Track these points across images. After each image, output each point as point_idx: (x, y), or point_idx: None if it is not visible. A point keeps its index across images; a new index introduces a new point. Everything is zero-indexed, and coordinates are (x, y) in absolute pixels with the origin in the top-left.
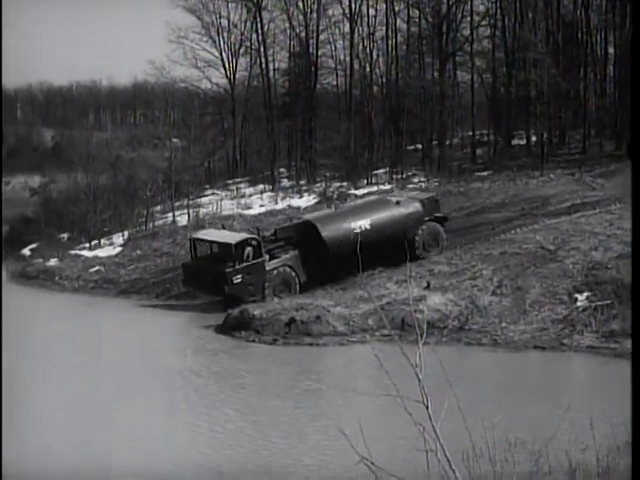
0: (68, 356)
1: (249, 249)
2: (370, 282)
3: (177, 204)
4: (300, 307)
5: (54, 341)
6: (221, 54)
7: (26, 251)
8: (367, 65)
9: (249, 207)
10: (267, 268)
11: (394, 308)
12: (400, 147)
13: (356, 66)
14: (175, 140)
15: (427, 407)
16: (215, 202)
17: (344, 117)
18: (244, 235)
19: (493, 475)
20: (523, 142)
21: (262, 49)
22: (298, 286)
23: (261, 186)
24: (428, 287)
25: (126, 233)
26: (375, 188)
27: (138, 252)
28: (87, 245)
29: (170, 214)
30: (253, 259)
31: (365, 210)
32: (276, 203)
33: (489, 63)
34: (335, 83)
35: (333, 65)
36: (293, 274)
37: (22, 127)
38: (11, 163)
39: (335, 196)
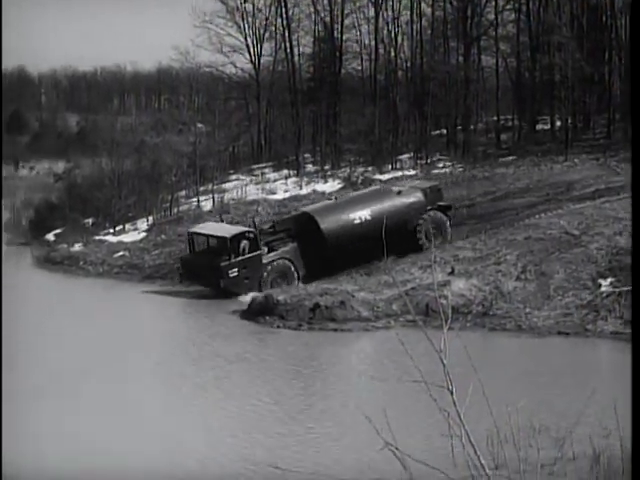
0: (94, 341)
1: (245, 242)
2: (394, 267)
3: (202, 189)
4: (324, 292)
5: (79, 326)
6: (246, 39)
7: (50, 236)
8: (392, 49)
9: (273, 192)
10: (264, 261)
11: (418, 293)
12: (425, 132)
13: (381, 50)
14: (200, 125)
15: (451, 393)
16: (240, 187)
17: (369, 102)
18: (240, 228)
19: (517, 461)
20: (547, 127)
21: (287, 34)
22: (297, 279)
23: (286, 171)
24: (452, 272)
25: (150, 218)
26: (400, 173)
27: (163, 237)
28: (111, 230)
29: (195, 199)
30: (249, 252)
31: (365, 200)
32: (301, 188)
33: (513, 47)
34: (360, 68)
35: (358, 50)
36: (291, 267)
37: (46, 112)
38: (35, 148)
39: (360, 181)
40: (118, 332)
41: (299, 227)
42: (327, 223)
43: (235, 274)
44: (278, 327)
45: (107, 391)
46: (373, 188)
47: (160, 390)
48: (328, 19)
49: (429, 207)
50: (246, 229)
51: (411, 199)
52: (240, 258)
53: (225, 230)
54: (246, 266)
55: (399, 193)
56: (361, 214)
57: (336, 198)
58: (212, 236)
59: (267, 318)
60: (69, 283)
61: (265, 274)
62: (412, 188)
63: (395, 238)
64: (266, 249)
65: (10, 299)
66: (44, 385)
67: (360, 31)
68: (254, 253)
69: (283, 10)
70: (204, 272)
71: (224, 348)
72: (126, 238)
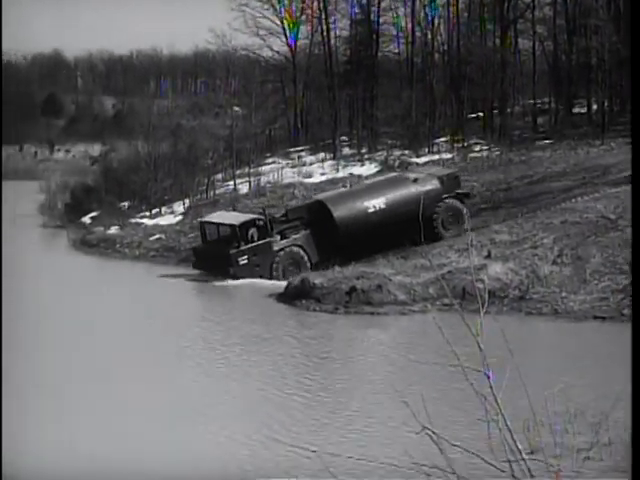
0: (135, 323)
1: (253, 230)
2: (431, 251)
3: (238, 172)
4: (361, 276)
5: (119, 308)
6: (282, 22)
7: (86, 219)
8: (428, 32)
9: (310, 175)
10: (275, 248)
11: (455, 277)
12: (461, 115)
13: (417, 33)
14: (236, 108)
15: (488, 377)
16: (276, 170)
17: (405, 85)
18: (249, 216)
19: (553, 445)
20: (584, 110)
21: (323, 16)
22: (310, 267)
23: (322, 154)
24: (489, 256)
25: (187, 201)
26: (436, 157)
27: (199, 220)
28: (148, 213)
29: (231, 182)
30: (259, 240)
31: (380, 188)
32: (337, 171)
33: (550, 30)
34: (396, 51)
35: (394, 32)
36: (303, 254)
37: (82, 96)
38: (71, 132)
39: (396, 164)
40: (154, 315)
41: (312, 215)
42: (340, 211)
43: (245, 262)
44: (314, 310)
45: (148, 376)
46: (389, 175)
47: (201, 374)
48: (365, 1)
49: (446, 195)
50: (255, 216)
51: (427, 187)
52: (249, 245)
53: (234, 218)
54: (256, 253)
55: (415, 181)
56: (375, 202)
57: (350, 186)
58: (221, 224)
59: (303, 301)
60: (105, 266)
61: (276, 261)
62: (429, 175)
63: (410, 227)
64: (279, 237)
65: (47, 281)
66: (77, 368)
67: (397, 13)
68: (264, 240)
69: None
70: (215, 261)
71: (262, 331)
72: (162, 221)
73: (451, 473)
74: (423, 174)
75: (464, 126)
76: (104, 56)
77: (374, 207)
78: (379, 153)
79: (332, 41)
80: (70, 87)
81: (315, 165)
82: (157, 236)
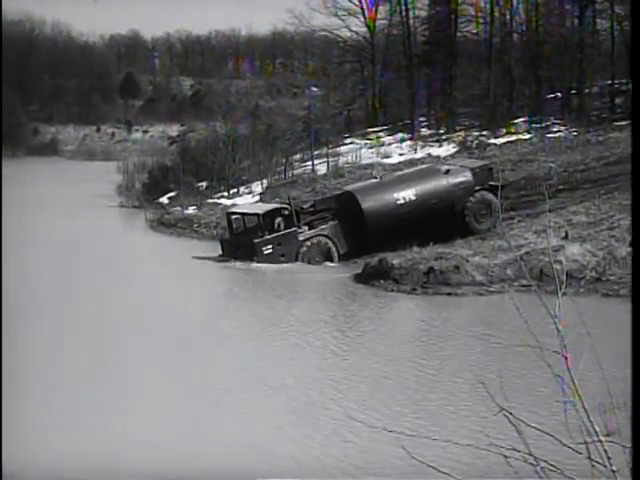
0: (218, 307)
1: (279, 219)
2: (509, 232)
3: (316, 153)
4: (439, 256)
5: (193, 289)
6: (361, 2)
7: (164, 199)
8: (507, 12)
9: (388, 156)
10: (301, 238)
11: (532, 258)
12: (539, 96)
13: (496, 13)
14: (314, 89)
15: (566, 358)
16: (354, 151)
17: (484, 65)
18: (274, 205)
19: (630, 428)
20: None
21: None
22: (337, 257)
23: (400, 135)
24: (566, 237)
25: (265, 182)
26: (514, 137)
27: (277, 200)
28: (225, 193)
29: (309, 163)
30: (285, 229)
31: (411, 180)
32: (415, 152)
33: (628, 10)
34: (475, 31)
35: (473, 13)
36: (330, 245)
37: (160, 76)
38: (149, 112)
39: (475, 145)
40: (233, 295)
41: (341, 206)
42: (368, 202)
43: (270, 251)
44: (392, 291)
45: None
46: (421, 167)
47: (288, 354)
48: None
49: (478, 187)
50: (280, 206)
51: (459, 179)
52: (274, 235)
53: (259, 208)
54: (281, 243)
55: (447, 172)
56: (405, 194)
57: (381, 177)
58: (246, 214)
59: (381, 282)
60: (183, 245)
61: (302, 251)
62: (461, 167)
63: (440, 220)
64: (307, 227)
65: (125, 261)
66: (156, 350)
67: None
68: (289, 230)
69: None
70: (240, 251)
71: (342, 311)
72: (240, 201)
73: (528, 454)
74: (455, 166)
75: (542, 107)
76: (182, 36)
77: (404, 199)
78: (457, 134)
79: (411, 21)
80: (148, 68)
81: (393, 145)
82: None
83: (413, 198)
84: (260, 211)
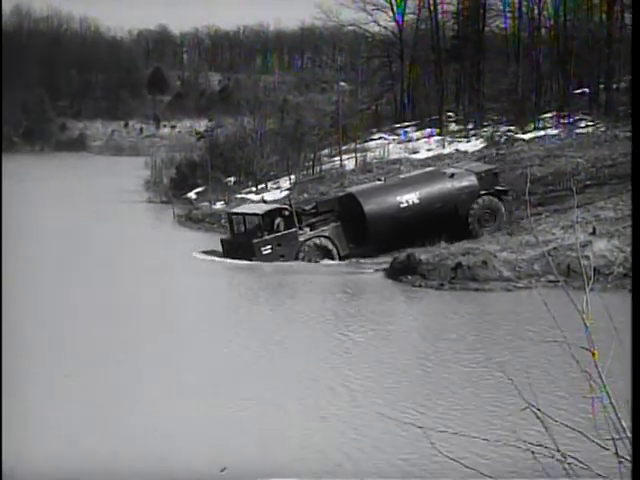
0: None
1: (279, 220)
2: (536, 227)
3: (344, 148)
4: (467, 252)
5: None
6: None
7: (192, 195)
8: (535, 7)
9: (416, 151)
10: (301, 239)
11: (560, 254)
12: (567, 91)
13: (524, 8)
14: (342, 84)
15: (593, 354)
16: (382, 146)
17: (512, 60)
18: (274, 206)
19: None
20: None
21: None
22: (337, 258)
23: (428, 130)
24: (594, 233)
25: (293, 177)
26: (542, 132)
27: (305, 196)
28: (254, 189)
29: (337, 158)
30: (285, 229)
31: (415, 183)
32: (443, 147)
33: None
34: (503, 26)
35: (501, 7)
36: (331, 246)
37: (188, 71)
38: (177, 107)
39: (502, 140)
40: (261, 289)
41: (343, 208)
42: (371, 205)
43: (269, 251)
44: (420, 286)
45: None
46: (425, 170)
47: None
48: None
49: (483, 192)
50: (280, 206)
51: (464, 183)
52: (273, 235)
53: (259, 208)
54: (280, 243)
55: (452, 176)
56: (408, 197)
57: (385, 180)
58: (247, 214)
59: (409, 277)
60: (210, 240)
61: (302, 252)
62: (466, 171)
63: (443, 223)
64: (308, 228)
65: (152, 256)
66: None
67: None
68: (289, 230)
69: None
70: (240, 250)
71: (374, 307)
72: (268, 196)
73: (555, 450)
74: (461, 170)
75: (570, 102)
76: (210, 31)
77: (407, 202)
78: (485, 129)
79: (439, 16)
80: (176, 63)
81: (421, 141)
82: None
83: (417, 201)
84: (260, 211)
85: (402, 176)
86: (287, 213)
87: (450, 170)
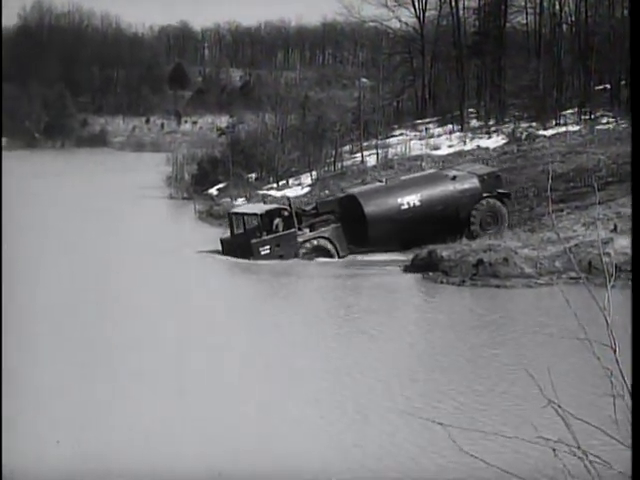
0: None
1: (279, 220)
2: (558, 224)
3: (366, 144)
4: (488, 248)
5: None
6: None
7: (213, 191)
8: (556, 3)
9: (437, 148)
10: (300, 240)
11: (581, 250)
12: (588, 87)
13: (545, 4)
14: (364, 80)
15: (615, 351)
16: (403, 142)
17: (533, 56)
18: (274, 206)
19: None
20: None
21: None
22: (337, 259)
23: (450, 126)
24: (615, 230)
25: (314, 173)
26: (563, 129)
27: (326, 192)
28: (275, 185)
29: (359, 154)
30: (284, 230)
31: (417, 185)
32: (464, 144)
33: None
34: (524, 22)
35: (523, 3)
36: (331, 247)
37: (209, 67)
38: (198, 103)
39: (524, 137)
40: (285, 288)
41: (343, 209)
42: (371, 206)
43: (267, 251)
44: (442, 283)
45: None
46: (427, 172)
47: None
48: None
49: (486, 195)
50: (280, 206)
51: (465, 185)
52: (272, 235)
53: (259, 208)
54: (279, 244)
55: (454, 178)
56: (410, 199)
57: (386, 181)
58: (246, 214)
59: (430, 274)
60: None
61: (301, 253)
62: (468, 174)
63: (445, 226)
64: (308, 229)
65: (173, 251)
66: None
67: None
68: (288, 231)
69: None
70: (239, 250)
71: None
72: (290, 192)
73: (576, 447)
74: (463, 172)
75: (591, 98)
76: (232, 27)
77: (407, 204)
78: (506, 125)
79: (460, 12)
80: (197, 59)
81: (443, 137)
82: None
83: (418, 203)
84: (259, 211)
85: (403, 178)
86: (286, 214)
87: (452, 172)
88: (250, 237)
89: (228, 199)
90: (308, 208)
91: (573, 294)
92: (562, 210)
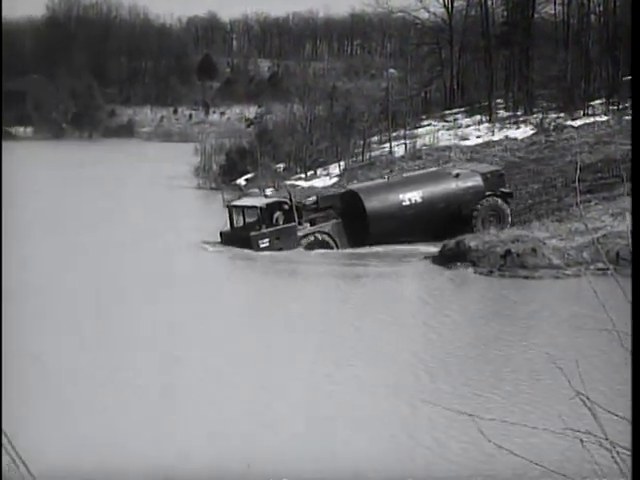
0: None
1: (279, 213)
2: (585, 215)
3: (394, 135)
4: (516, 239)
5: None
6: None
7: (241, 181)
8: None
9: (466, 138)
10: (300, 234)
11: (609, 241)
12: (617, 77)
13: None
14: (392, 70)
15: None
16: (432, 133)
17: (561, 47)
18: (274, 199)
19: None
20: None
21: None
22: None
23: (478, 117)
24: None
25: (342, 163)
26: (591, 119)
27: (354, 182)
28: (303, 175)
29: (387, 145)
30: (284, 223)
31: (419, 182)
32: (493, 134)
33: None
34: (553, 12)
35: None
36: (330, 242)
37: (237, 58)
38: (226, 94)
39: (552, 127)
40: (311, 277)
41: (345, 204)
42: (372, 202)
43: (266, 244)
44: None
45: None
46: (430, 169)
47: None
48: None
49: (488, 193)
50: (280, 199)
51: (468, 183)
52: (272, 229)
53: (259, 201)
54: (279, 237)
55: (457, 176)
56: (411, 195)
57: (388, 178)
58: (246, 207)
59: (458, 264)
60: None
61: (301, 246)
62: (472, 172)
63: (446, 223)
64: (308, 224)
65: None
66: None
67: None
68: (288, 225)
69: None
70: (238, 243)
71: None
72: (318, 183)
73: (604, 439)
74: (466, 170)
75: (619, 88)
76: (260, 18)
77: (409, 200)
78: (534, 115)
79: (489, 2)
80: (225, 49)
81: (471, 127)
82: (312, 198)
83: (419, 200)
84: (259, 204)
85: (406, 175)
86: (287, 207)
87: (455, 170)
88: (249, 230)
89: (256, 189)
90: (309, 202)
91: (601, 285)
92: (590, 201)
